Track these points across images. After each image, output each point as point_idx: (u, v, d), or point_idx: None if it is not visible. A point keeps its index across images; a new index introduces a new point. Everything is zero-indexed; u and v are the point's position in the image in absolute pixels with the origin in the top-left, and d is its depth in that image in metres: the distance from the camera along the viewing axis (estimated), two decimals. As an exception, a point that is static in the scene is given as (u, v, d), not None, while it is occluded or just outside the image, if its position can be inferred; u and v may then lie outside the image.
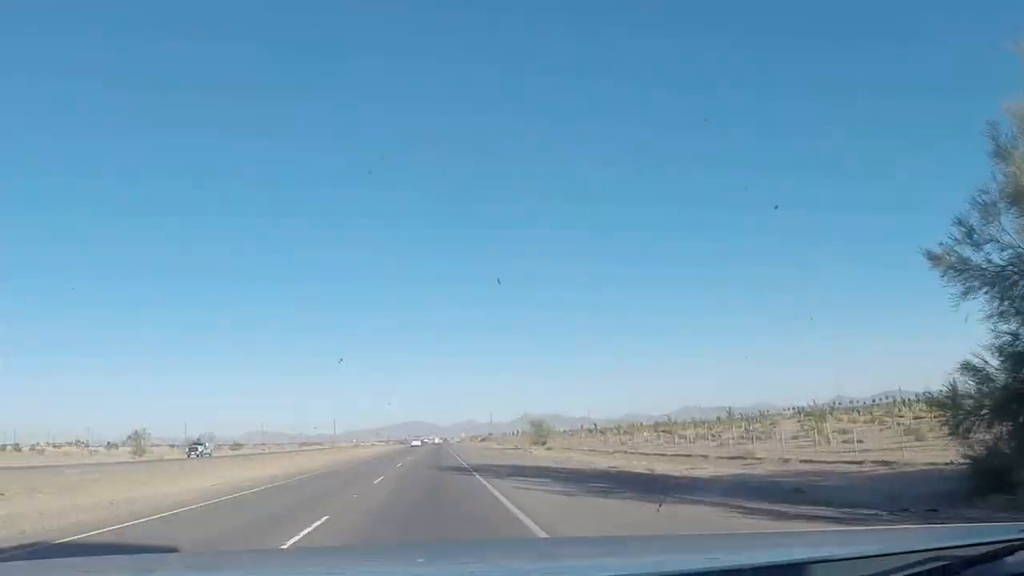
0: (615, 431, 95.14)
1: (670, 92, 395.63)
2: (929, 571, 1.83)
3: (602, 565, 2.31)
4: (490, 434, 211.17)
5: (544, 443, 61.98)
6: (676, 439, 59.48)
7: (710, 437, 55.47)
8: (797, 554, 2.14)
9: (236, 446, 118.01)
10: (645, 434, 75.23)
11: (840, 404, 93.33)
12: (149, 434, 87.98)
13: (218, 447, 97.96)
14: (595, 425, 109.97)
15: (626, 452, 47.05)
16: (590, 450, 56.16)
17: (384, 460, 48.85)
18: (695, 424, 78.03)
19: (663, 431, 71.10)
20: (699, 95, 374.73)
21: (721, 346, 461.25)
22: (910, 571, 1.82)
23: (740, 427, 60.74)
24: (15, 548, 10.41)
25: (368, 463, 44.57)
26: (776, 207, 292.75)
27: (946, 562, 1.85)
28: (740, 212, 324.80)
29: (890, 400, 79.21)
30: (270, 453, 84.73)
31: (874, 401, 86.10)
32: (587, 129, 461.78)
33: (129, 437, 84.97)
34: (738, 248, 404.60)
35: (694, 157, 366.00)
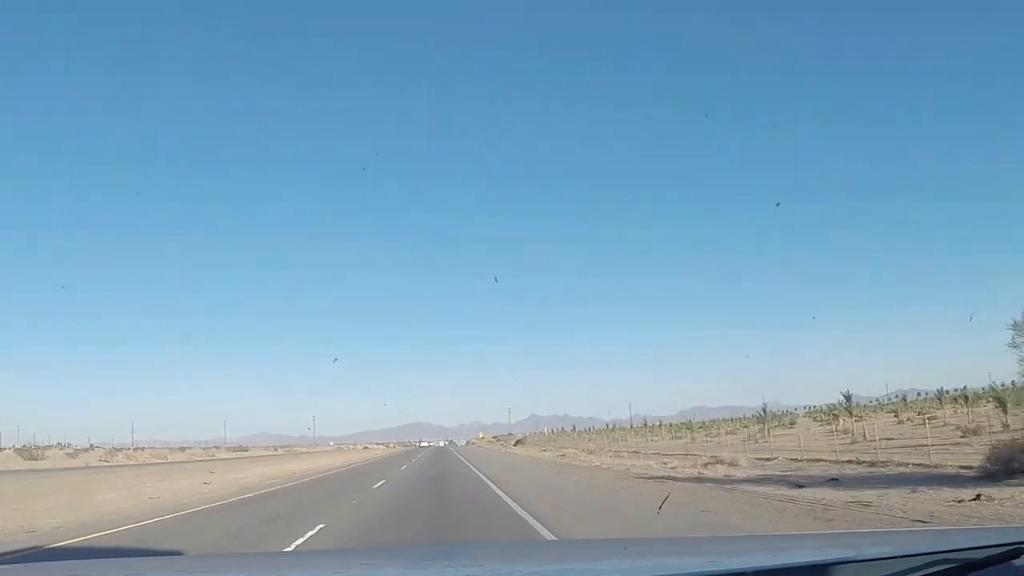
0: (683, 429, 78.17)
1: (678, 76, 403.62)
2: (935, 574, 1.80)
3: (602, 568, 2.29)
4: (510, 434, 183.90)
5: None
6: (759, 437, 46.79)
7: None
8: (799, 557, 2.11)
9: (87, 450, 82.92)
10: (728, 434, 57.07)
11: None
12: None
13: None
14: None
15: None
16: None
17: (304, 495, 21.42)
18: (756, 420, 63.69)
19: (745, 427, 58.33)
20: (699, 77, 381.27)
21: (726, 347, 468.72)
22: (915, 574, 1.79)
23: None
24: None
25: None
26: (778, 204, 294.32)
27: (952, 565, 1.82)
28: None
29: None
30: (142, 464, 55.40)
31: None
32: (590, 114, 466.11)
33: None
34: (743, 244, 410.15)
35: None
